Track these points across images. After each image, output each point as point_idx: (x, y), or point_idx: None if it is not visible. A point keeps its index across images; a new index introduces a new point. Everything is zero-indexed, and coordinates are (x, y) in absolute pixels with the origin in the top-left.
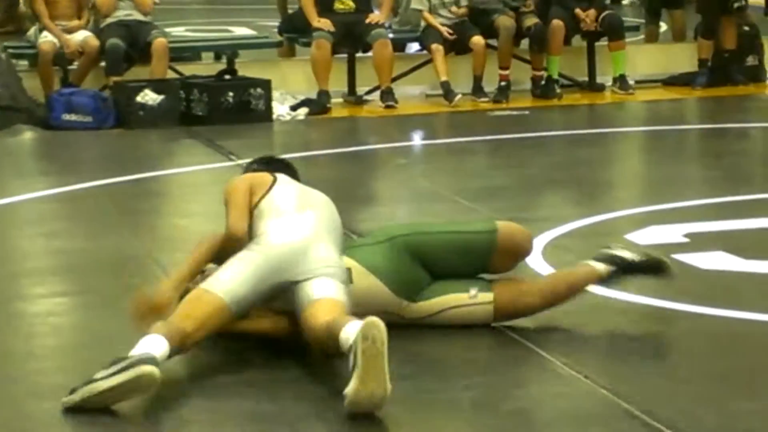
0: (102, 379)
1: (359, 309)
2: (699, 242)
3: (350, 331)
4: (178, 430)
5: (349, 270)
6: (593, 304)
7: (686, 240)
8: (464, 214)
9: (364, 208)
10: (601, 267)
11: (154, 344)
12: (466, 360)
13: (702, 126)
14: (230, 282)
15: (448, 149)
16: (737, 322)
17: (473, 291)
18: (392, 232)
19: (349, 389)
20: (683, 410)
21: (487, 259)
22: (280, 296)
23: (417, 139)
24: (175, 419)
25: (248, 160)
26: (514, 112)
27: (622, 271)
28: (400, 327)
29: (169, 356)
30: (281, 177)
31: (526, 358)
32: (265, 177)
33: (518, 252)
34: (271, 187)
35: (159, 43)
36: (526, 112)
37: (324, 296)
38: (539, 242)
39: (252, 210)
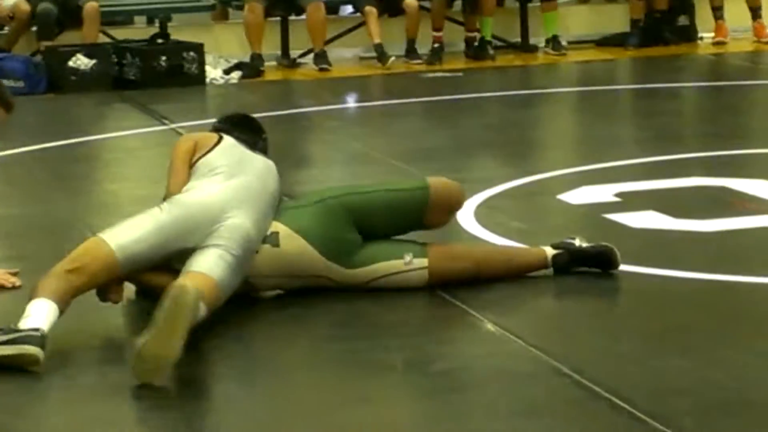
0: None
1: (288, 272)
2: (630, 202)
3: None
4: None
5: (276, 233)
6: None
7: (617, 200)
8: (397, 175)
9: (298, 171)
10: (550, 251)
11: (44, 312)
12: (398, 321)
13: (634, 86)
14: (128, 237)
15: (381, 111)
16: (668, 281)
17: (408, 257)
18: (324, 193)
19: (138, 340)
20: (613, 368)
21: (420, 215)
22: (176, 258)
23: (350, 102)
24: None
25: (182, 124)
26: (448, 74)
27: (574, 259)
28: (330, 288)
29: (60, 314)
30: (227, 139)
31: (459, 319)
32: (209, 137)
33: (451, 206)
34: (211, 149)
35: (90, 6)
36: (460, 74)
37: (194, 269)
38: (472, 203)
39: (191, 168)
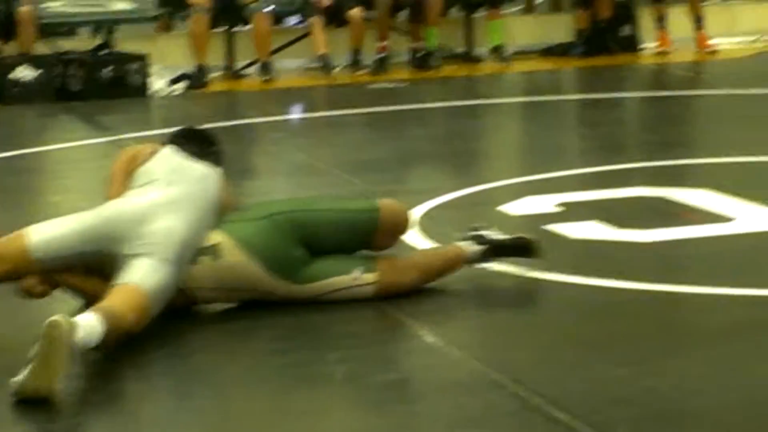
0: None
1: (229, 285)
2: (572, 212)
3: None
4: None
5: (218, 245)
6: (467, 275)
7: (560, 210)
8: (342, 187)
9: (242, 182)
10: (470, 248)
11: None
12: (341, 333)
13: (578, 96)
14: (50, 233)
15: (326, 122)
16: (608, 291)
17: (356, 273)
18: (272, 208)
19: (18, 378)
20: (551, 378)
21: (368, 237)
22: (108, 264)
23: (295, 113)
24: None
25: (126, 136)
26: (393, 85)
27: (492, 251)
28: (273, 302)
29: None
30: (166, 149)
31: (401, 331)
32: (148, 147)
33: (398, 230)
34: (147, 158)
35: (24, 12)
36: (405, 84)
37: (125, 282)
38: (415, 214)
39: (130, 177)
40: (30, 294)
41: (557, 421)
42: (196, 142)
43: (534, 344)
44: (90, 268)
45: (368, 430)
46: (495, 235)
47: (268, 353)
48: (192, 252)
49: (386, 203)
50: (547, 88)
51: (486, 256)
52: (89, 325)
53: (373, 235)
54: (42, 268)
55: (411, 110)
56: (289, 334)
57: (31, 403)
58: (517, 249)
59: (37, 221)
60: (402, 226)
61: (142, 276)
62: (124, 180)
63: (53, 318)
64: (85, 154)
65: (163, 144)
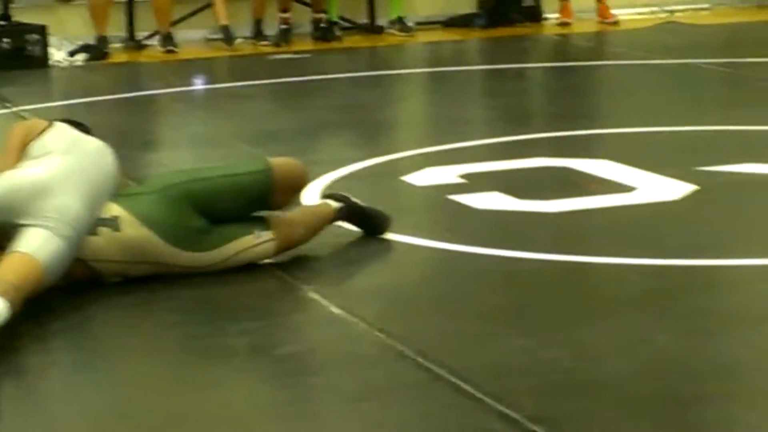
0: None
1: (131, 258)
2: (475, 183)
3: None
4: None
5: (117, 218)
6: (371, 247)
7: (462, 181)
8: (243, 158)
9: (143, 155)
10: (335, 204)
11: None
12: (240, 305)
13: (481, 67)
14: None
15: (228, 94)
16: (511, 261)
17: (257, 232)
18: (167, 180)
19: None
20: (455, 349)
21: (265, 197)
22: (2, 236)
23: (197, 84)
24: None
25: (25, 107)
26: (295, 56)
27: (348, 210)
28: (174, 275)
29: None
30: (59, 124)
31: (302, 303)
32: (41, 122)
33: (296, 186)
34: (43, 132)
35: None
36: (307, 56)
37: (19, 250)
38: (318, 185)
39: (23, 151)
40: None
41: (461, 393)
42: (74, 124)
43: (438, 315)
44: None
45: (270, 402)
46: (356, 200)
47: (168, 325)
48: (89, 225)
49: (278, 162)
50: (450, 59)
51: (347, 217)
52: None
53: (270, 195)
54: None
55: (314, 81)
56: (189, 306)
57: None
58: (370, 218)
59: None
60: (298, 182)
61: (36, 247)
62: (18, 153)
63: None
64: None
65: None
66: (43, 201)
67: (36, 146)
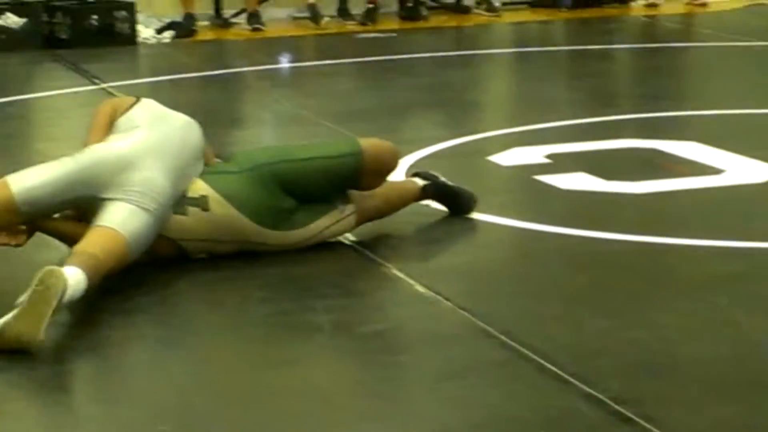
0: None
1: (219, 237)
2: (561, 163)
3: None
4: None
5: (205, 197)
6: (455, 226)
7: (548, 161)
8: (328, 137)
9: (229, 132)
10: (422, 182)
11: None
12: (325, 283)
13: (567, 47)
14: (31, 181)
15: (313, 72)
16: (596, 242)
17: (340, 206)
18: (256, 159)
19: (2, 320)
20: (540, 330)
21: (355, 181)
22: (88, 210)
23: (283, 62)
24: None
25: (113, 84)
26: (381, 35)
27: (435, 188)
28: (260, 252)
29: None
30: (146, 100)
31: (387, 281)
32: (127, 98)
33: (386, 169)
34: (130, 107)
35: None
36: (393, 35)
37: (104, 224)
38: (403, 164)
39: (111, 126)
40: (11, 245)
41: (546, 373)
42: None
43: (522, 295)
44: (70, 214)
45: (353, 381)
46: (443, 178)
47: (254, 302)
48: (173, 200)
49: (369, 144)
50: (536, 40)
51: (433, 196)
52: (76, 280)
53: (360, 178)
54: (25, 217)
55: (400, 60)
56: (274, 283)
57: (11, 351)
58: (457, 197)
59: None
60: (388, 165)
61: (121, 221)
62: (105, 129)
63: (49, 268)
64: (71, 102)
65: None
66: (127, 174)
67: (123, 121)
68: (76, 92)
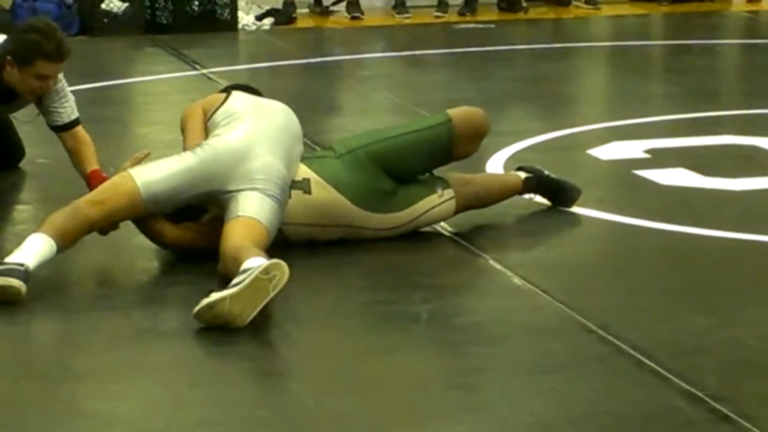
0: None
1: (321, 221)
2: (660, 158)
3: (251, 264)
4: (135, 338)
5: (308, 180)
6: (554, 218)
7: (647, 156)
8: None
9: (327, 120)
10: (524, 175)
11: (35, 248)
12: (423, 272)
13: (667, 42)
14: (154, 175)
15: (412, 62)
16: (695, 238)
17: (439, 190)
18: (351, 145)
19: (218, 295)
20: (639, 325)
21: (449, 149)
22: (212, 203)
23: (381, 51)
24: (132, 328)
25: (213, 70)
26: (480, 26)
27: (538, 181)
28: (358, 240)
29: (60, 251)
30: (235, 93)
31: (484, 272)
32: (215, 96)
33: (478, 134)
34: (223, 103)
35: None
36: (492, 26)
37: (244, 214)
38: (501, 156)
39: (206, 127)
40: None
41: (644, 368)
42: (244, 90)
43: (620, 290)
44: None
45: (450, 371)
46: (546, 171)
47: (354, 290)
48: (288, 184)
49: (458, 111)
50: (635, 33)
51: (536, 188)
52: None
53: (453, 146)
54: (149, 211)
55: (498, 52)
56: (374, 272)
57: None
58: (562, 191)
59: (126, 152)
60: (479, 129)
61: (258, 209)
62: (201, 130)
63: (277, 261)
64: (172, 87)
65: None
66: (247, 165)
67: (220, 115)
68: (176, 77)
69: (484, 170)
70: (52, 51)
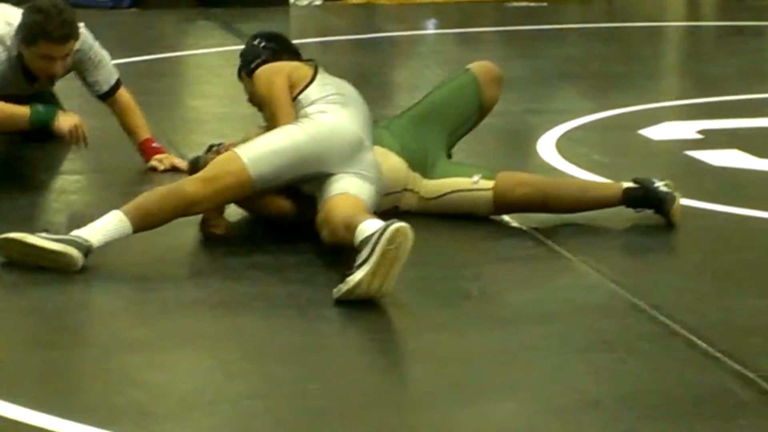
0: (37, 235)
1: (388, 190)
2: (713, 139)
3: (369, 226)
4: (186, 310)
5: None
6: None
7: (700, 137)
8: None
9: (379, 95)
10: (625, 184)
11: (106, 226)
12: (476, 250)
13: (718, 23)
14: (262, 154)
15: (464, 39)
16: (748, 220)
17: (476, 177)
18: (391, 119)
19: (355, 278)
20: (689, 306)
21: (477, 95)
22: (309, 183)
23: (433, 28)
24: (184, 299)
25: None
26: (532, 4)
27: (645, 192)
28: (410, 214)
29: (137, 231)
30: (321, 70)
31: (537, 251)
32: (303, 70)
33: (496, 77)
34: (312, 81)
35: None
36: (544, 4)
37: (347, 191)
38: (553, 135)
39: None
40: (216, 233)
41: (696, 349)
42: (288, 48)
43: (672, 271)
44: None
45: (501, 348)
46: (659, 184)
47: (405, 266)
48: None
49: (472, 64)
50: (688, 14)
51: (640, 200)
52: None
53: (480, 91)
54: (257, 191)
55: (550, 31)
56: (425, 248)
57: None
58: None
59: (177, 125)
60: (496, 73)
61: (359, 190)
62: (291, 103)
63: (396, 225)
64: (223, 60)
65: (261, 48)
66: (361, 154)
67: (314, 91)
68: (228, 51)
69: (535, 152)
70: (53, 32)
